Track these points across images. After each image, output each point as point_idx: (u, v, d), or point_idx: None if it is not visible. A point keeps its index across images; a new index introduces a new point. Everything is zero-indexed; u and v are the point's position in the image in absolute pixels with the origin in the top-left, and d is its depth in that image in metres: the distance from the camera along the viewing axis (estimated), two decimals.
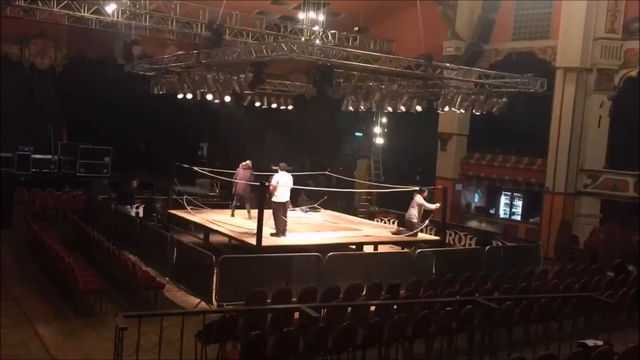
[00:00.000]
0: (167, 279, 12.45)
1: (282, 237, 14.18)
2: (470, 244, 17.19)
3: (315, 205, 19.11)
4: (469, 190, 23.72)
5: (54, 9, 17.88)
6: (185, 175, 18.06)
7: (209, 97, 18.38)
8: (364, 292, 10.92)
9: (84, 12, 18.22)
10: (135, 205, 17.22)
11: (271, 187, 14.00)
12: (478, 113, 18.36)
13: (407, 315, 9.28)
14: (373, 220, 19.27)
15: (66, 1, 17.79)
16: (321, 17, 19.74)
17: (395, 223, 18.42)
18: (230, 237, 14.62)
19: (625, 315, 12.31)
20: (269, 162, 19.21)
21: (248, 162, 16.85)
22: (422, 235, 16.14)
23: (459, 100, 17.61)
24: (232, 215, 16.74)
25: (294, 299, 10.14)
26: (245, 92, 17.90)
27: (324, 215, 18.63)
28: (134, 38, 18.81)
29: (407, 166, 24.51)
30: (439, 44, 21.93)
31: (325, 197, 19.13)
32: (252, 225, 14.07)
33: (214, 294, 11.08)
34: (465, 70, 17.10)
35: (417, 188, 16.22)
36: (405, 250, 15.01)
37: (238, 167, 16.92)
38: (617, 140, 19.61)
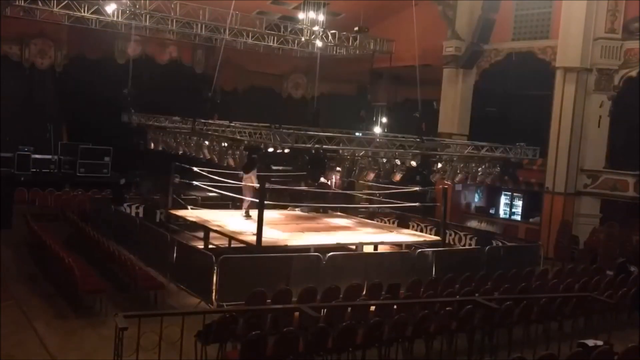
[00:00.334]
0: (167, 279, 12.45)
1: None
2: (470, 244, 17.16)
3: (315, 205, 19.11)
4: (469, 190, 23.66)
5: (54, 9, 17.91)
6: (186, 175, 18.04)
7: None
8: (364, 292, 10.92)
9: (84, 12, 18.26)
10: (128, 204, 17.20)
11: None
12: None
13: (407, 315, 9.27)
14: (373, 221, 19.25)
15: (66, 1, 17.81)
16: (321, 17, 19.79)
17: (395, 223, 18.38)
18: (230, 237, 14.62)
19: (625, 315, 12.30)
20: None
21: None
22: (422, 236, 16.09)
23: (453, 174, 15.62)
24: (248, 216, 16.40)
25: (294, 299, 10.14)
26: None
27: (325, 216, 18.63)
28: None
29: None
30: (439, 44, 21.99)
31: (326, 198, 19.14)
32: (252, 225, 14.06)
33: (214, 294, 11.07)
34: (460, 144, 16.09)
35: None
36: (405, 250, 15.01)
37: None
38: (617, 140, 19.57)
